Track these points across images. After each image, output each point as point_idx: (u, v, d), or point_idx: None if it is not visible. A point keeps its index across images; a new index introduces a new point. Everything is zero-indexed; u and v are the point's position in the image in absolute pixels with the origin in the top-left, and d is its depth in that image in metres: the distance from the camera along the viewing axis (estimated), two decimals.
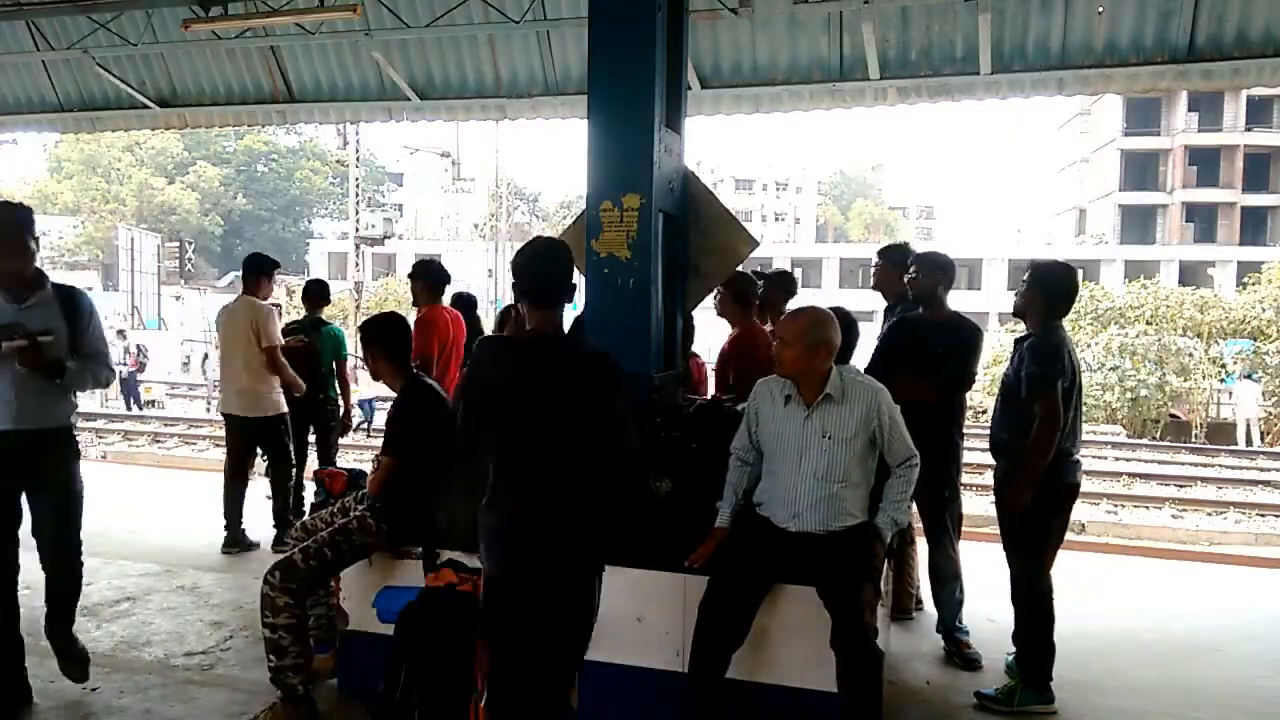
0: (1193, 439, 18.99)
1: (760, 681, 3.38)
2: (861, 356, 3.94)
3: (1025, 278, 3.97)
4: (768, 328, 5.05)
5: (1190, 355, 20.33)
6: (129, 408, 20.02)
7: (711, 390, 5.28)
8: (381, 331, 3.75)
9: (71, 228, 52.75)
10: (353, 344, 8.89)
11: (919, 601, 4.97)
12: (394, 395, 3.74)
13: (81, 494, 3.84)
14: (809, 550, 3.27)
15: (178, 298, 39.63)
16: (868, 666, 3.07)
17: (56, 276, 3.83)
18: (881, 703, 3.13)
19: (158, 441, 15.86)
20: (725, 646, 3.24)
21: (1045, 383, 3.72)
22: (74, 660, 3.87)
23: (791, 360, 3.32)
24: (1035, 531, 3.85)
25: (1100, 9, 6.39)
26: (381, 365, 3.74)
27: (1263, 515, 11.28)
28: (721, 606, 3.24)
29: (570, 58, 7.71)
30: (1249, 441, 18.84)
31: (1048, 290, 3.88)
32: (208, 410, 20.08)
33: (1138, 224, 48.45)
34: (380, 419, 13.92)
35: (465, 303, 6.63)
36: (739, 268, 4.70)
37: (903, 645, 4.52)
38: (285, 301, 18.59)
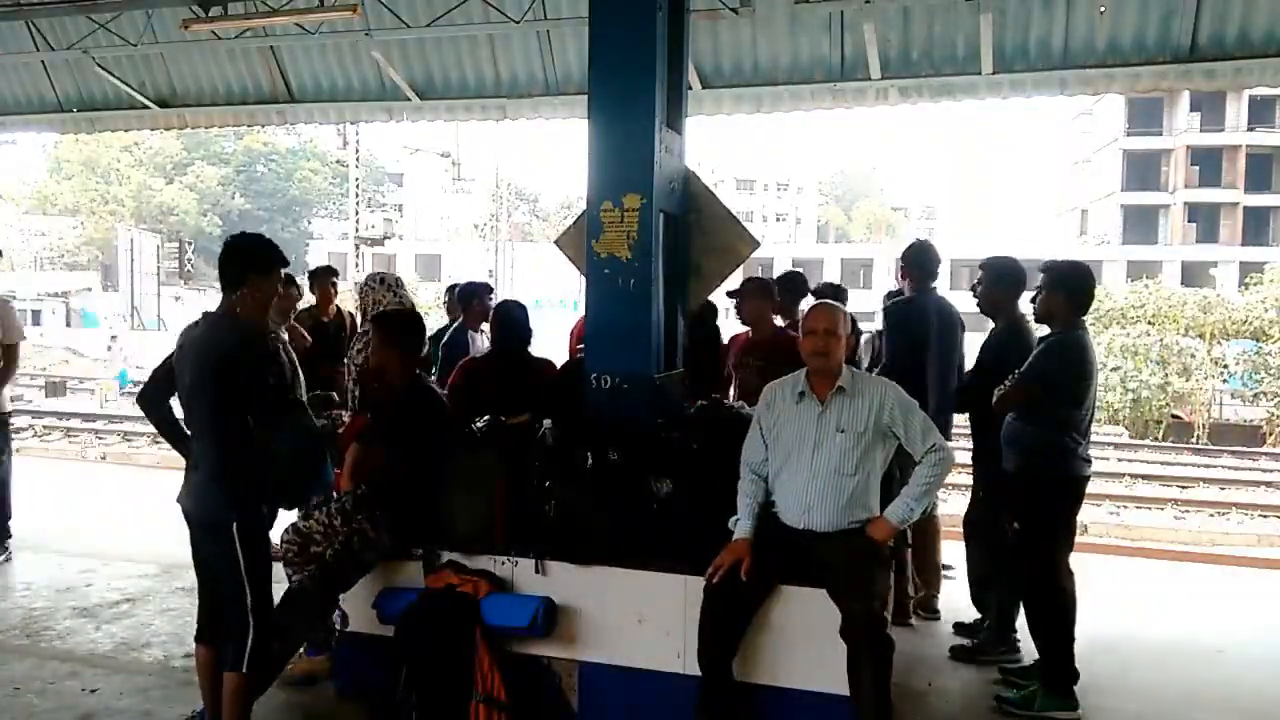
0: (1195, 440, 18.95)
1: (764, 684, 3.36)
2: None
3: (1042, 280, 3.86)
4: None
5: (1192, 356, 20.28)
6: None
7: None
8: (404, 329, 3.79)
9: (71, 228, 52.73)
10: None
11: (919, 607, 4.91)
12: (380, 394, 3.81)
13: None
14: (816, 548, 3.25)
15: (177, 298, 39.58)
16: (879, 655, 3.05)
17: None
18: (891, 693, 3.10)
19: (157, 442, 15.84)
20: (730, 632, 3.21)
21: (1032, 377, 3.75)
22: None
23: (839, 348, 3.34)
24: (1045, 526, 3.83)
25: (1102, 9, 6.36)
26: (394, 361, 3.75)
27: (1265, 516, 11.24)
28: (727, 591, 3.21)
29: (570, 58, 7.69)
30: None
31: (1071, 291, 3.80)
32: None
33: (1140, 224, 48.38)
34: None
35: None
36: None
37: (904, 647, 4.48)
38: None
